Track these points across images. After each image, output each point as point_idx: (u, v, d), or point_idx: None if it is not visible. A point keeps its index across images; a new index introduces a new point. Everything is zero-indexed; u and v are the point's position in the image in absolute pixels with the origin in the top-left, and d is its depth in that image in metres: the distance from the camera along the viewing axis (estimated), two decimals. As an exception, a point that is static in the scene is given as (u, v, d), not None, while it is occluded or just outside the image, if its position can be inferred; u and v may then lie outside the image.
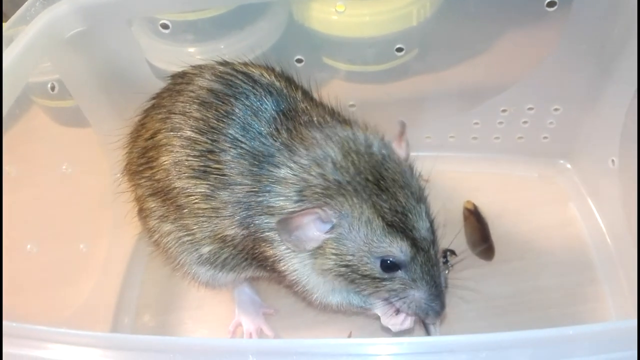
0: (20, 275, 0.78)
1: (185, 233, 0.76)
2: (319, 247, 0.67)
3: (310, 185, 0.66)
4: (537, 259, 0.93)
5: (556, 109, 0.98)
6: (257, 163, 0.69)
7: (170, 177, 0.74)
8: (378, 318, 0.76)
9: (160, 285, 0.96)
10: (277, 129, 0.71)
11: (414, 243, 0.66)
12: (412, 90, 1.03)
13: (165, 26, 0.90)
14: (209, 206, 0.72)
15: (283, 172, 0.67)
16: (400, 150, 0.71)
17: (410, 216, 0.66)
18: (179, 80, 0.79)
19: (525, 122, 1.02)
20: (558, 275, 0.91)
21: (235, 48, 0.97)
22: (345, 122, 0.75)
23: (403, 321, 0.73)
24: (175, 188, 0.74)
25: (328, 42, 0.98)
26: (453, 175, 1.05)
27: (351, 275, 0.67)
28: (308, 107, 0.74)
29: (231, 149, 0.70)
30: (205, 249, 0.76)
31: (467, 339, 0.46)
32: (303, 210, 0.64)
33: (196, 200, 0.72)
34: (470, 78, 1.00)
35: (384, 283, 0.68)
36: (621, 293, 0.87)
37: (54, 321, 0.81)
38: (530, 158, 1.05)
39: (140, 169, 0.79)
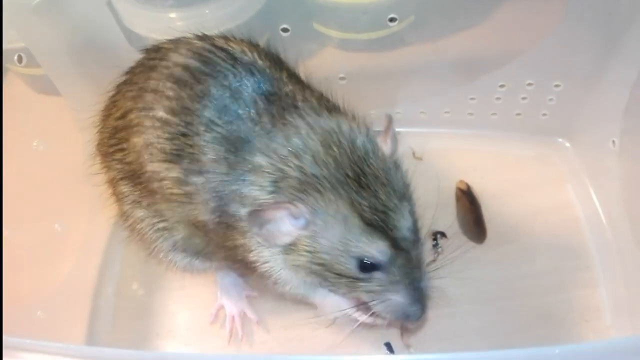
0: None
1: (159, 219, 0.73)
2: (292, 243, 0.64)
3: (286, 177, 0.62)
4: (531, 242, 0.90)
5: (557, 85, 0.93)
6: (233, 149, 0.65)
7: (141, 161, 0.69)
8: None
9: (141, 265, 0.93)
10: (257, 113, 0.66)
11: (394, 243, 0.63)
12: (407, 61, 0.99)
13: (143, -10, 0.85)
14: (182, 191, 0.68)
15: (260, 160, 0.63)
16: (385, 146, 0.66)
17: (392, 215, 0.62)
18: (153, 55, 0.73)
19: (524, 98, 0.97)
20: (552, 260, 0.88)
21: (219, 14, 0.91)
22: (332, 109, 0.70)
23: (339, 302, 0.71)
24: (147, 172, 0.69)
25: (319, 7, 0.92)
26: (447, 152, 1.01)
27: (325, 274, 0.64)
28: (293, 91, 0.69)
29: (206, 133, 0.66)
30: (179, 236, 0.73)
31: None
32: (275, 203, 0.61)
33: (169, 185, 0.68)
34: (468, 50, 0.95)
35: (360, 284, 0.65)
36: (615, 279, 0.85)
37: (33, 302, 0.79)
38: (528, 135, 1.01)
39: (111, 150, 0.75)
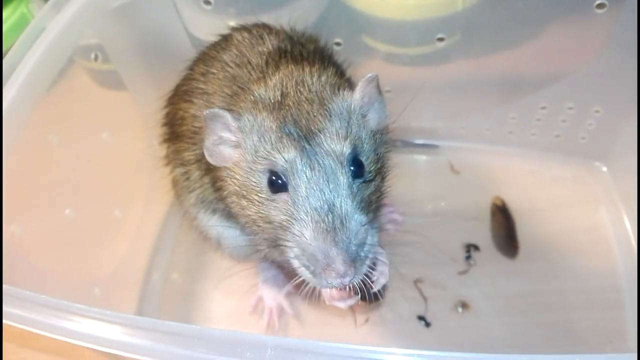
0: (58, 239, 0.81)
1: (184, 169, 0.81)
2: (230, 169, 0.65)
3: (239, 95, 0.69)
4: (561, 260, 0.93)
5: (597, 111, 0.96)
6: (235, 89, 0.71)
7: (174, 105, 0.82)
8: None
9: (189, 254, 0.99)
10: (266, 62, 0.72)
11: (306, 153, 0.59)
12: (451, 78, 1.02)
13: (207, 2, 0.91)
14: (195, 128, 0.76)
15: (246, 96, 0.68)
16: (350, 94, 0.65)
17: (313, 129, 0.60)
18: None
19: (564, 121, 1.00)
20: (580, 279, 0.91)
21: (275, 24, 0.96)
22: (336, 74, 0.73)
23: (345, 298, 0.69)
24: (177, 114, 0.81)
25: (369, 21, 0.97)
26: (485, 168, 1.05)
27: (245, 203, 0.63)
28: (307, 55, 0.76)
29: (219, 72, 0.76)
30: (197, 185, 0.79)
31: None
32: (215, 109, 0.63)
33: (186, 123, 0.78)
34: (511, 70, 0.98)
35: (271, 213, 0.61)
36: (643, 303, 0.87)
37: (92, 280, 0.85)
38: (565, 157, 1.04)
39: (164, 114, 0.86)
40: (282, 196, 0.60)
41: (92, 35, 0.87)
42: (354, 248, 0.57)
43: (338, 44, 0.95)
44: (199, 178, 0.79)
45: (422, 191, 1.04)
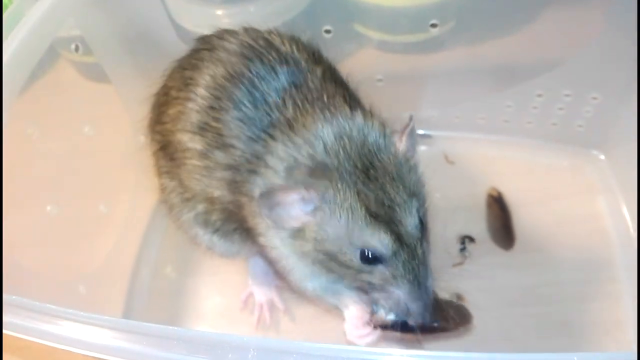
0: (40, 236, 0.79)
1: (183, 190, 0.77)
2: (300, 229, 0.65)
3: (299, 165, 0.64)
4: (559, 251, 0.91)
5: (594, 98, 0.94)
6: (255, 131, 0.68)
7: (172, 129, 0.75)
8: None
9: (178, 249, 0.97)
10: (283, 101, 0.69)
11: (398, 238, 0.63)
12: (445, 66, 0.99)
13: (192, -12, 0.88)
14: (202, 164, 0.72)
15: (277, 146, 0.66)
16: (400, 143, 0.67)
17: (398, 210, 0.63)
18: (201, 43, 0.79)
19: (560, 109, 0.98)
20: (578, 270, 0.89)
21: (264, 11, 0.94)
22: (356, 108, 0.71)
23: (367, 335, 0.71)
24: (175, 141, 0.74)
25: (360, 8, 0.94)
26: (480, 158, 1.03)
27: (330, 263, 0.66)
28: (322, 86, 0.72)
29: (233, 110, 0.69)
30: (199, 207, 0.77)
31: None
32: (286, 187, 0.63)
33: (191, 156, 0.73)
34: (506, 57, 0.96)
35: (363, 275, 0.66)
36: (641, 294, 0.85)
37: (76, 277, 0.83)
38: (562, 146, 1.02)
39: (154, 122, 0.81)
40: (378, 267, 0.65)
41: (73, 25, 0.85)
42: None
43: (328, 31, 0.93)
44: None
45: (416, 182, 1.02)
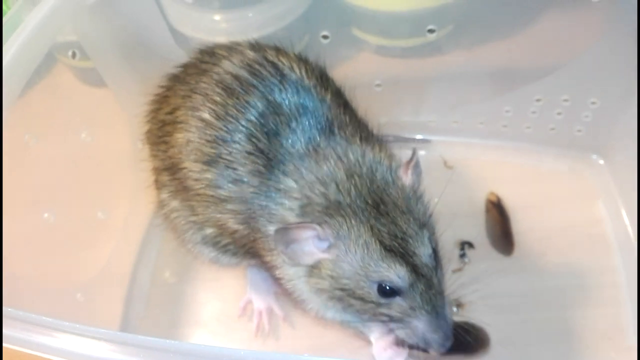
0: (37, 244, 0.78)
1: (191, 213, 0.76)
2: (315, 266, 0.66)
3: (312, 203, 0.65)
4: (558, 256, 0.91)
5: (593, 102, 0.94)
6: (267, 165, 0.68)
7: (180, 156, 0.73)
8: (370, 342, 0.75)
9: (177, 256, 0.96)
10: (295, 133, 0.69)
11: (414, 269, 0.64)
12: (443, 70, 0.99)
13: (190, -6, 0.88)
14: (214, 194, 0.71)
15: (290, 183, 0.67)
16: (405, 177, 0.68)
17: (411, 242, 0.64)
18: (207, 59, 0.77)
19: (559, 113, 0.97)
20: (578, 275, 0.89)
21: (262, 17, 0.94)
22: (365, 138, 0.72)
23: (396, 355, 0.72)
24: (184, 168, 0.73)
25: (358, 13, 0.94)
26: (479, 163, 1.02)
27: (347, 299, 0.66)
28: (333, 114, 0.72)
29: (245, 144, 0.69)
30: (209, 231, 0.76)
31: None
32: (302, 223, 0.63)
33: (202, 186, 0.72)
34: (505, 62, 0.96)
35: (381, 309, 0.66)
36: (641, 299, 0.85)
37: (73, 285, 0.82)
38: (561, 150, 1.02)
39: (158, 141, 0.79)
40: (395, 300, 0.65)
41: (70, 32, 0.84)
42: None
43: (325, 37, 0.92)
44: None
45: (415, 187, 1.02)
